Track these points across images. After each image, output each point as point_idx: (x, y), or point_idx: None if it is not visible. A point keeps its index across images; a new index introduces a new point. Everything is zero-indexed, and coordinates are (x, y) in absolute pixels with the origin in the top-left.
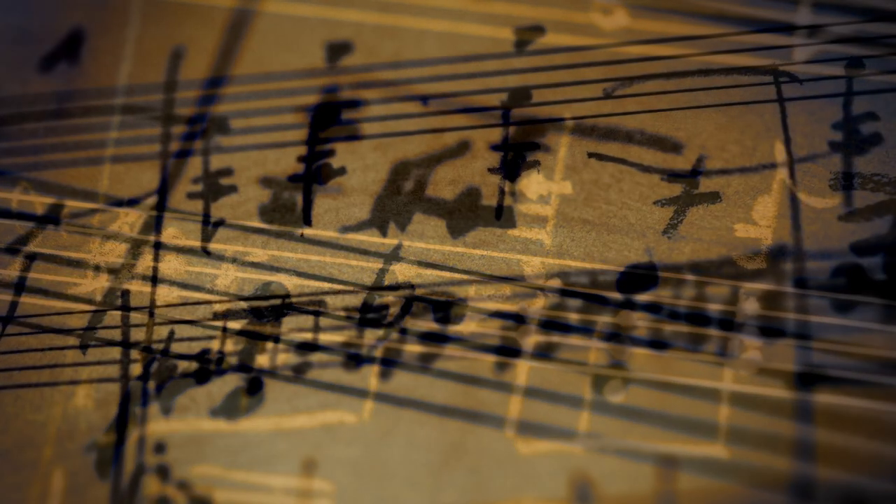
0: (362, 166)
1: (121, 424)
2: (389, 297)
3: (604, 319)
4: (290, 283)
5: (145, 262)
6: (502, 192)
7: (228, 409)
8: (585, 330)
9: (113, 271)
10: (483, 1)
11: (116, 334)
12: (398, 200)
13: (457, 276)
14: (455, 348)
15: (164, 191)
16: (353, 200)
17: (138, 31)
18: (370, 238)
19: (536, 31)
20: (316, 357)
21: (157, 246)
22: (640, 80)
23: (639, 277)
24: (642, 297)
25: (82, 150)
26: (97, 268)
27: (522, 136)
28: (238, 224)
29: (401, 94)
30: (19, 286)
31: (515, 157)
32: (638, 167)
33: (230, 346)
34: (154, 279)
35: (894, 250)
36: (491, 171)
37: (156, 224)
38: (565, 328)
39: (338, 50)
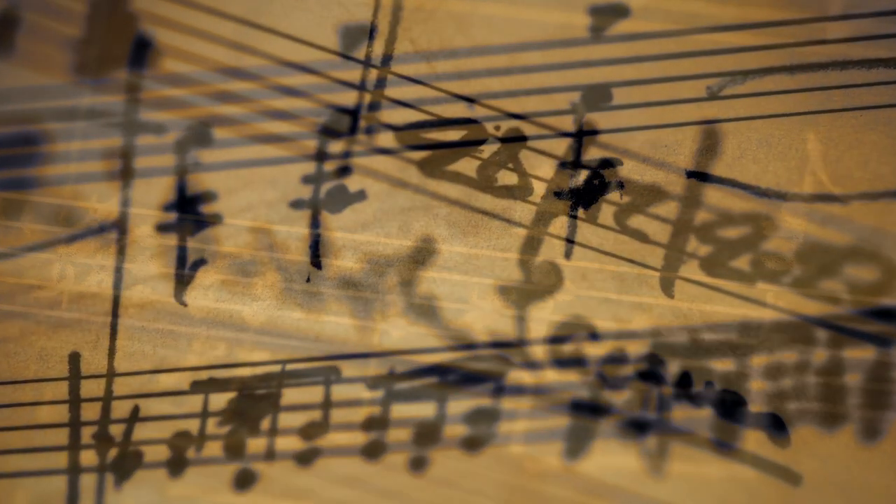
0: (374, 172)
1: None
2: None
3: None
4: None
5: (102, 337)
6: (574, 224)
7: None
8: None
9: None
10: None
11: (63, 412)
12: (404, 201)
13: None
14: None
15: (124, 224)
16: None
17: (93, 10)
18: (377, 238)
19: (617, 12)
20: (327, 441)
21: (116, 301)
22: (756, 74)
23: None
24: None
25: (11, 169)
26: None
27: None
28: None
29: (439, 96)
30: None
31: (591, 178)
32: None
33: (213, 426)
34: (111, 352)
35: None
36: (559, 195)
37: (116, 272)
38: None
39: (355, 36)
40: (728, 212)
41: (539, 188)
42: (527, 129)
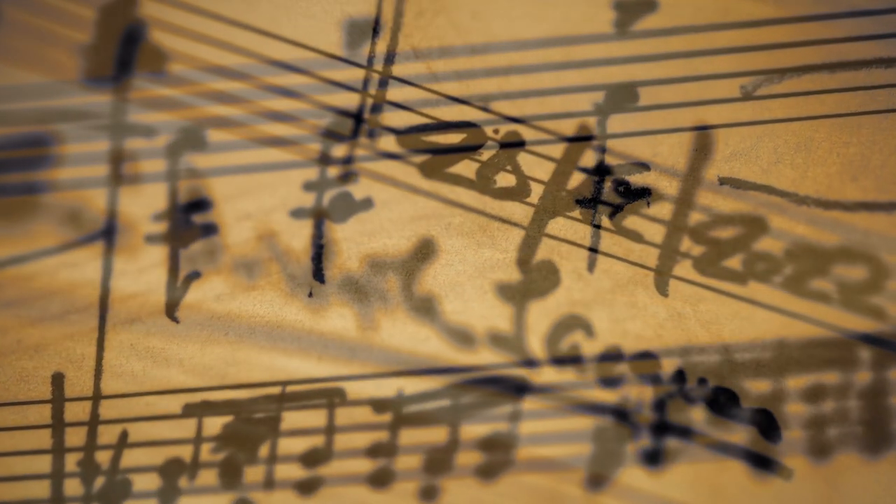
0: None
1: None
2: None
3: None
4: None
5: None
6: (597, 232)
7: None
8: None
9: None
10: None
11: (45, 437)
12: (409, 204)
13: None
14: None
15: (111, 232)
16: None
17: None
18: (380, 240)
19: (644, 7)
20: (330, 470)
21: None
22: (794, 73)
23: None
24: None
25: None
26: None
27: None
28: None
29: (448, 97)
30: None
31: (617, 186)
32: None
33: (207, 452)
34: (98, 372)
35: None
36: (580, 203)
37: (101, 291)
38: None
39: (360, 31)
40: (760, 220)
41: (545, 190)
42: (545, 132)
